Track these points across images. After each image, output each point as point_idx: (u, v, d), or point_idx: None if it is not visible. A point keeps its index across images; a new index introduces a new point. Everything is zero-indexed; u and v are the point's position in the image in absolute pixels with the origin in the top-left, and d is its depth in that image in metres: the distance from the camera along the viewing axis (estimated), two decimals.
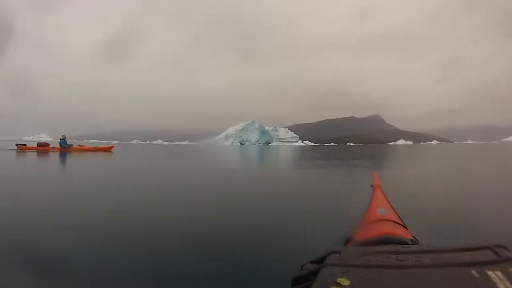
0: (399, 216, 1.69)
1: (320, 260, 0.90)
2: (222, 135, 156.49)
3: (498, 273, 0.69)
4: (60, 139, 18.96)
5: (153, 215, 3.50)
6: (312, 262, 0.93)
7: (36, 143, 19.60)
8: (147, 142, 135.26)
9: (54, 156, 14.35)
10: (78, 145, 20.01)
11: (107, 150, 20.33)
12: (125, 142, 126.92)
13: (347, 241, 1.43)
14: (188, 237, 2.71)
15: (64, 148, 18.47)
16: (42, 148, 18.71)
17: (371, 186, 2.33)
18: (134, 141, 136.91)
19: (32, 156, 14.59)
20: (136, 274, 1.97)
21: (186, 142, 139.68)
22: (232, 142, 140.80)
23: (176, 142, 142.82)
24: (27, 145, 19.22)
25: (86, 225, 3.07)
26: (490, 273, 0.69)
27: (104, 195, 4.93)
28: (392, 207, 1.83)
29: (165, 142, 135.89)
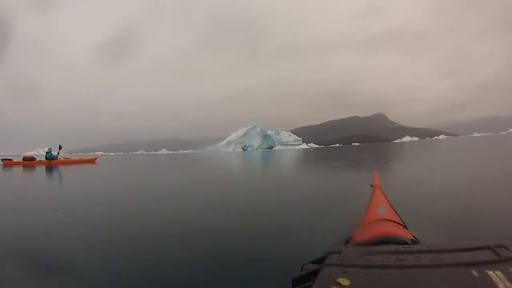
0: (399, 216, 1.68)
1: (320, 260, 0.91)
2: (224, 142, 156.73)
3: (498, 273, 0.69)
4: (46, 152, 19.17)
5: (153, 220, 3.52)
6: (312, 262, 0.94)
7: (39, 158, 19.85)
8: (152, 152, 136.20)
9: (40, 170, 14.55)
10: (64, 157, 20.30)
11: (91, 161, 20.91)
12: (130, 153, 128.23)
13: (347, 241, 1.43)
14: (189, 238, 2.73)
15: (50, 161, 18.71)
16: (28, 162, 18.97)
17: (371, 186, 2.33)
18: (139, 152, 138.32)
19: (18, 170, 14.76)
20: (136, 274, 1.98)
21: (190, 151, 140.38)
22: (233, 148, 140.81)
23: (181, 151, 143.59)
24: (13, 160, 19.43)
25: (82, 231, 3.09)
26: (490, 273, 0.69)
27: (92, 203, 4.98)
28: (392, 207, 1.82)
29: (170, 152, 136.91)
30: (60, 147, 20.08)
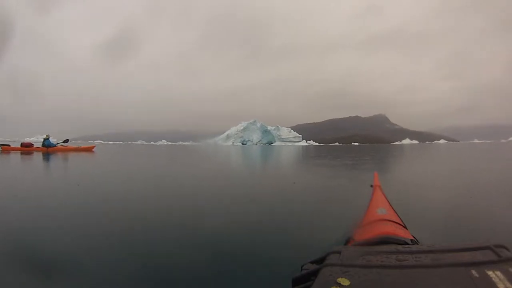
0: (399, 216, 1.67)
1: (320, 260, 0.91)
2: (223, 135, 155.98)
3: (498, 273, 0.69)
4: (44, 139, 19.19)
5: (151, 216, 3.49)
6: (312, 262, 0.94)
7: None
8: (152, 142, 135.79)
9: (37, 156, 14.61)
10: (61, 145, 20.33)
11: (89, 150, 20.95)
12: (129, 142, 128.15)
13: (347, 241, 1.43)
14: (188, 237, 2.70)
15: (48, 148, 18.75)
16: (26, 148, 19.02)
17: (371, 186, 2.32)
18: (139, 142, 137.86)
19: (15, 156, 14.81)
20: (136, 274, 1.97)
21: (190, 143, 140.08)
22: (232, 142, 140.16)
23: (180, 143, 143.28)
24: (11, 146, 19.51)
25: (79, 223, 3.09)
26: (490, 273, 0.69)
27: (91, 193, 4.99)
28: (392, 207, 1.81)
29: (169, 143, 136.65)
30: (66, 141, 20.28)
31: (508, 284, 0.64)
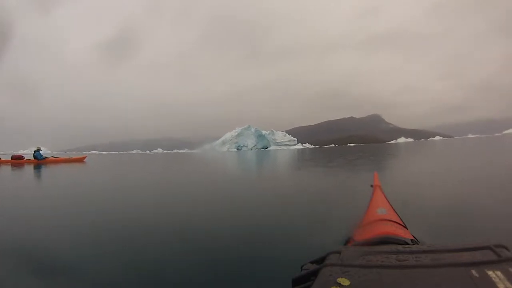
0: (399, 216, 1.67)
1: (320, 260, 0.91)
2: (219, 141, 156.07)
3: (498, 273, 0.69)
4: (35, 151, 19.17)
5: (153, 219, 3.50)
6: (312, 262, 0.94)
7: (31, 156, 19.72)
8: (147, 151, 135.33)
9: (27, 169, 14.53)
10: (52, 156, 20.31)
11: (80, 160, 20.91)
12: (124, 152, 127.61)
13: (347, 241, 1.43)
14: (189, 239, 2.70)
15: (39, 160, 18.67)
16: (17, 161, 18.88)
17: (371, 186, 2.32)
18: (134, 151, 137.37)
19: (6, 169, 14.71)
20: (136, 275, 1.96)
21: (185, 150, 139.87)
22: (228, 148, 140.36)
23: (176, 151, 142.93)
24: (2, 159, 19.44)
25: (81, 230, 3.08)
26: (490, 273, 0.69)
27: (92, 202, 4.99)
28: (392, 207, 1.81)
29: (165, 151, 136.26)
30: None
31: (508, 284, 0.64)
